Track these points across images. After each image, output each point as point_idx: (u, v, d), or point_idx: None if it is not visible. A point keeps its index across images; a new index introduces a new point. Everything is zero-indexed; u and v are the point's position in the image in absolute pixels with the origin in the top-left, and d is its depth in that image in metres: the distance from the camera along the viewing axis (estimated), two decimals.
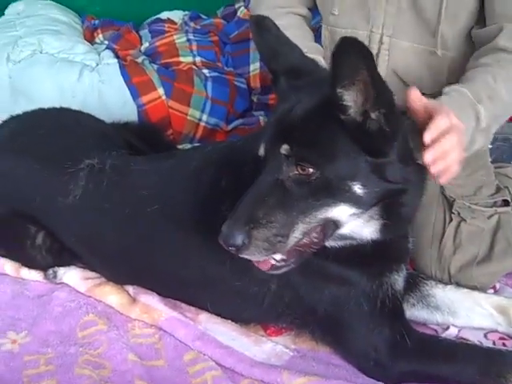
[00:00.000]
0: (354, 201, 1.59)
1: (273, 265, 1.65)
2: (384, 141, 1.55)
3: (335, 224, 1.63)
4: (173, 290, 2.11)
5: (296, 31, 2.20)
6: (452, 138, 1.58)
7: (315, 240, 1.65)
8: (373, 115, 1.52)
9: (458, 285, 2.20)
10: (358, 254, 1.82)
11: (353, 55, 1.40)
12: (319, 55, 2.17)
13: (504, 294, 2.23)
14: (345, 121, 1.54)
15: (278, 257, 1.63)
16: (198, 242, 1.96)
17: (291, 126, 1.59)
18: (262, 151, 1.65)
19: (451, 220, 2.24)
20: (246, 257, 1.59)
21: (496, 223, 2.26)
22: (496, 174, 2.42)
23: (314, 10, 2.48)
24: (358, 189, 1.57)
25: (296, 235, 1.58)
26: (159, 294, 2.12)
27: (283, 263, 1.65)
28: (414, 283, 2.14)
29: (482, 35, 2.07)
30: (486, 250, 2.24)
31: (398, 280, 1.95)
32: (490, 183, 2.35)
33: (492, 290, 2.27)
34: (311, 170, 1.55)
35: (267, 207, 1.55)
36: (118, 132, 2.46)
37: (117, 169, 2.09)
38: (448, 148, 1.58)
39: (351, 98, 1.50)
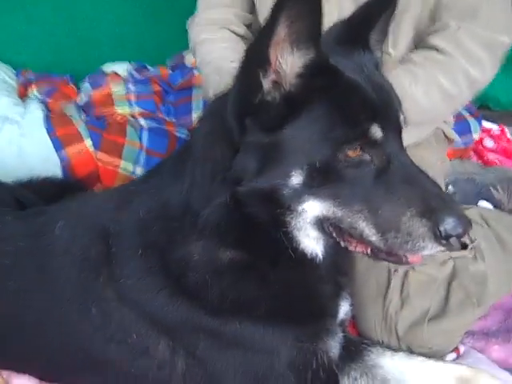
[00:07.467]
0: None
1: None
2: None
3: None
4: (54, 374, 1.75)
5: (224, 44, 2.11)
6: None
7: None
8: None
9: (411, 350, 1.79)
10: (284, 308, 1.49)
11: None
12: None
13: (468, 360, 1.81)
14: None
15: None
16: (78, 319, 1.62)
17: (394, 96, 1.44)
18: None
19: (397, 269, 1.85)
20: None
21: (451, 271, 1.87)
22: None
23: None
24: None
25: None
26: (40, 378, 1.78)
27: None
28: (356, 351, 1.75)
29: (427, 32, 1.97)
30: (440, 303, 1.85)
31: (333, 345, 1.57)
32: None
33: (455, 355, 1.86)
34: None
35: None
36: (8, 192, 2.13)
37: None
38: None
39: None
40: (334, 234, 1.40)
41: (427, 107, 1.85)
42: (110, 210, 1.66)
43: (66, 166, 2.84)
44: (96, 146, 2.88)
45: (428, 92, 1.85)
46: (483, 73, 1.94)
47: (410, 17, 1.99)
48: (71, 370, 1.70)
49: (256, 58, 1.28)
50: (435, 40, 1.91)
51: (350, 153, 1.29)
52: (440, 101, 1.91)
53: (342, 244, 1.42)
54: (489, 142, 3.23)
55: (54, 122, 2.96)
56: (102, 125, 3.00)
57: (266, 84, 1.29)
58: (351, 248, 1.42)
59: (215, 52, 2.12)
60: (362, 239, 1.35)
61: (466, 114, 3.19)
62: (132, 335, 1.55)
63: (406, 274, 1.86)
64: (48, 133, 2.90)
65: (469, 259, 1.93)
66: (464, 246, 1.94)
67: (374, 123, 1.31)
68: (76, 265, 1.63)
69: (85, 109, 3.27)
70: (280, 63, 1.27)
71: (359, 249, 1.41)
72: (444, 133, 2.31)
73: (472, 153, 3.14)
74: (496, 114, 3.67)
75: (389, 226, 1.30)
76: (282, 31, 1.21)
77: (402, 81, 1.76)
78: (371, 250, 1.39)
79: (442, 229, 1.26)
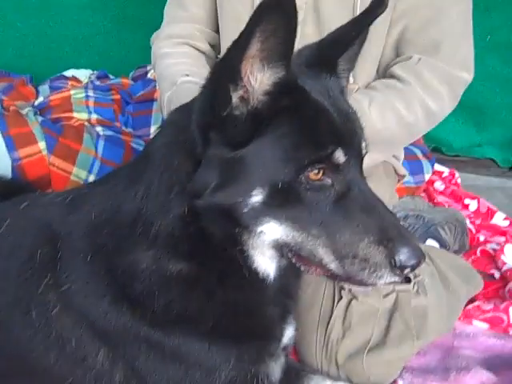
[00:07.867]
0: None
1: None
2: None
3: None
4: None
5: (184, 59, 2.12)
6: None
7: None
8: None
9: (350, 380, 1.80)
10: (229, 326, 1.46)
11: None
12: None
13: None
14: None
15: None
16: (17, 324, 1.55)
17: (358, 123, 1.43)
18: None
19: (341, 298, 1.86)
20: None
21: (393, 303, 1.88)
22: None
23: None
24: None
25: None
26: None
27: None
28: (296, 378, 1.74)
29: (390, 65, 2.05)
30: (381, 334, 1.86)
31: (275, 369, 1.55)
32: None
33: None
34: None
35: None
36: None
37: None
38: None
39: None
40: (294, 260, 1.37)
41: (381, 129, 1.88)
42: (61, 212, 1.60)
43: (16, 167, 2.76)
44: (50, 149, 2.81)
45: (383, 114, 1.89)
46: (441, 106, 1.99)
47: (372, 52, 2.02)
48: (7, 377, 1.61)
49: (227, 71, 1.25)
50: (396, 70, 1.98)
51: (312, 175, 1.27)
52: (395, 125, 1.94)
53: (302, 268, 1.39)
54: (439, 185, 3.29)
55: (9, 121, 2.87)
56: (59, 129, 2.93)
57: (235, 98, 1.26)
58: (311, 272, 1.39)
59: (173, 67, 2.11)
60: (320, 265, 1.33)
61: (420, 155, 3.25)
62: (71, 342, 1.49)
63: (349, 304, 1.86)
64: (1, 131, 2.84)
65: (411, 293, 1.94)
66: (408, 280, 1.95)
67: (338, 147, 1.29)
68: (20, 267, 1.56)
69: (41, 111, 3.20)
70: (249, 79, 1.24)
71: (318, 272, 1.38)
72: (394, 168, 2.34)
73: (423, 193, 3.19)
74: (448, 159, 3.78)
75: (346, 253, 1.28)
76: (255, 46, 1.19)
77: (360, 102, 1.81)
78: (330, 274, 1.36)
79: (397, 259, 1.25)
